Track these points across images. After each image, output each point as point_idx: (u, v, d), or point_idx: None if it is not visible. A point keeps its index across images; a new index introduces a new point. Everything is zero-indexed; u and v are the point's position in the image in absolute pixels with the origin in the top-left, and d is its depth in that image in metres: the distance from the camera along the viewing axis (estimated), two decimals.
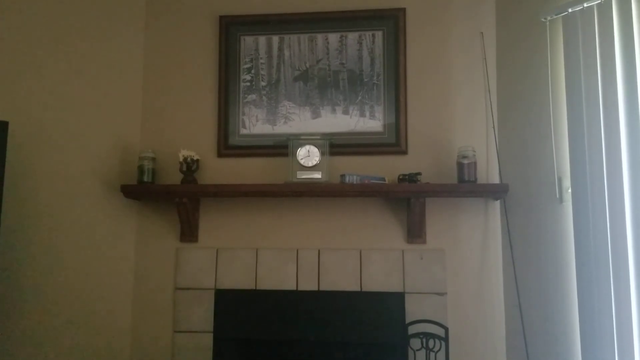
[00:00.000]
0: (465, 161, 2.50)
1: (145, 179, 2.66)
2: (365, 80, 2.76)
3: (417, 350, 2.47)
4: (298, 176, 2.58)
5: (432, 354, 2.44)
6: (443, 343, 2.42)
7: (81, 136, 2.67)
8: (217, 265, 2.71)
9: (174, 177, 2.73)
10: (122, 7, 2.87)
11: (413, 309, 2.56)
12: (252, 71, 2.83)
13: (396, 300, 2.59)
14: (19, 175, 2.44)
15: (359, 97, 2.75)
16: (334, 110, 2.76)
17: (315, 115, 2.77)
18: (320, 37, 2.81)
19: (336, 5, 2.81)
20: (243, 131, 2.80)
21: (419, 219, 2.57)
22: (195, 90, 2.87)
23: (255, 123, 2.80)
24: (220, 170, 2.78)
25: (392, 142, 2.70)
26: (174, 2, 2.94)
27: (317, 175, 2.58)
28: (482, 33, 2.74)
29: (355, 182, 2.53)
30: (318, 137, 2.65)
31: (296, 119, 2.78)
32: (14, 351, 2.38)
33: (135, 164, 2.73)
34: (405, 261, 2.62)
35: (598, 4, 2.11)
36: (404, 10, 2.77)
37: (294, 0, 2.85)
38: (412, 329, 2.50)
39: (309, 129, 2.75)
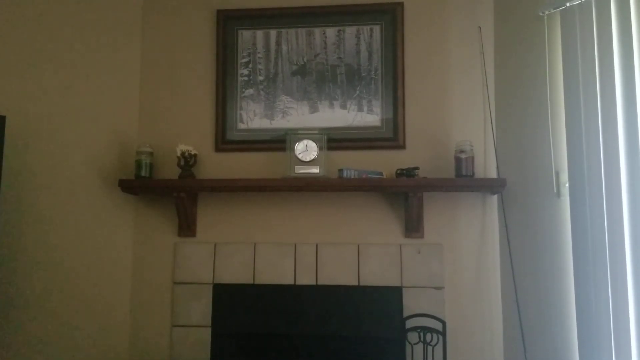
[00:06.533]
0: (463, 155, 2.51)
1: (143, 173, 2.65)
2: (363, 74, 2.75)
3: (415, 344, 2.48)
4: (296, 171, 2.59)
5: (429, 348, 2.45)
6: (440, 337, 2.43)
7: (79, 131, 2.67)
8: (215, 260, 2.71)
9: (172, 172, 2.73)
10: (119, 2, 2.85)
11: (411, 303, 2.57)
12: (250, 66, 2.82)
13: (394, 294, 2.59)
14: (16, 170, 2.44)
15: (357, 92, 2.75)
16: (331, 105, 2.76)
17: (313, 109, 2.77)
18: (317, 32, 2.80)
19: None
20: (241, 126, 2.80)
21: (417, 213, 2.57)
22: (193, 85, 2.86)
23: (253, 118, 2.79)
24: (218, 165, 2.78)
25: (390, 137, 2.69)
26: None
27: (315, 170, 2.58)
28: (480, 27, 2.73)
29: (353, 177, 2.53)
30: (316, 132, 2.65)
31: (294, 114, 2.78)
32: (10, 345, 2.38)
33: (132, 158, 2.72)
34: (403, 255, 2.62)
35: None
36: (402, 4, 2.76)
37: None
38: (409, 323, 2.51)
39: (307, 124, 2.74)
